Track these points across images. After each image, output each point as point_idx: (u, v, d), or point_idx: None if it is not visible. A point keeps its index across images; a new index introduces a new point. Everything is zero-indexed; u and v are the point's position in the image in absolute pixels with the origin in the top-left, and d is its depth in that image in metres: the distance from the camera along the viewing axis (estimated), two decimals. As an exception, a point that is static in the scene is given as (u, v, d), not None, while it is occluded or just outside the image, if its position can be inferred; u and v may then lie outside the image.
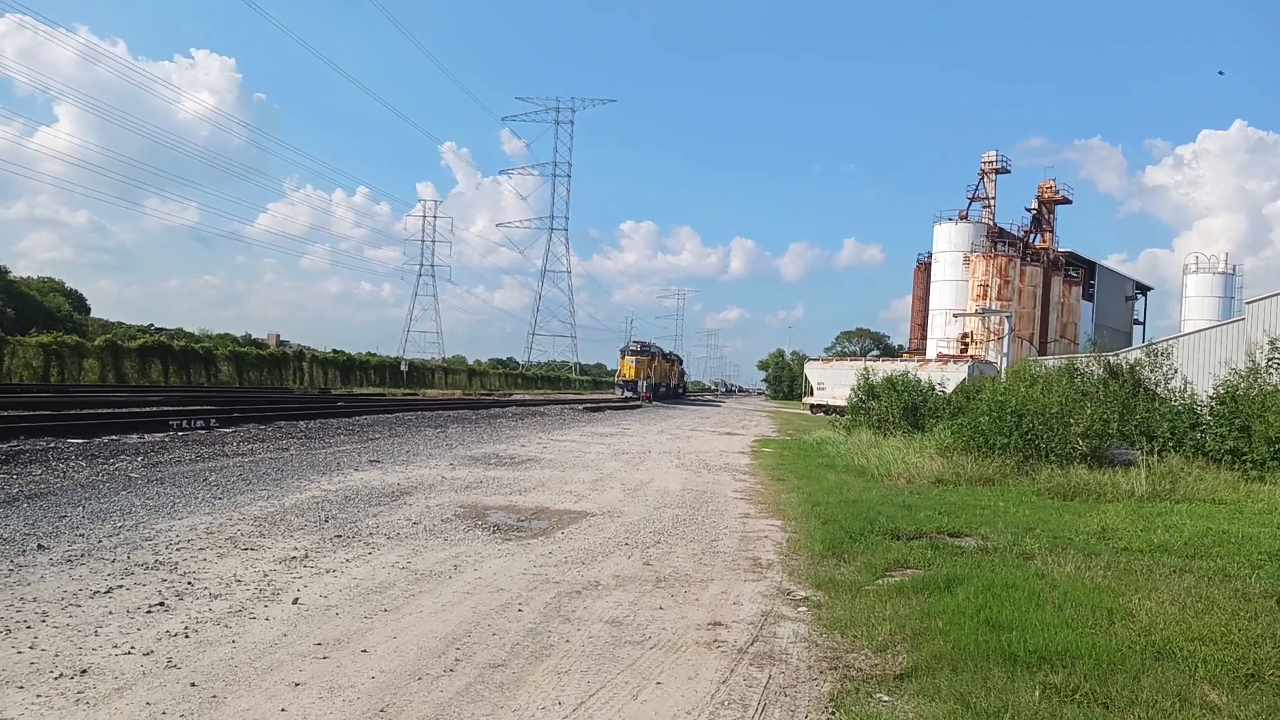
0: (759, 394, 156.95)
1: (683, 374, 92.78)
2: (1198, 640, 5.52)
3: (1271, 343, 17.95)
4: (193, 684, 4.38)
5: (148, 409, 21.86)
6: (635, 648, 5.38)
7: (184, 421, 18.19)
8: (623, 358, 67.46)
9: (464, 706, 4.31)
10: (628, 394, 62.55)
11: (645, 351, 68.05)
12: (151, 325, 74.80)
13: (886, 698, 4.64)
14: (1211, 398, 18.25)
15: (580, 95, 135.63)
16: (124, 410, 20.94)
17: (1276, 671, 5.02)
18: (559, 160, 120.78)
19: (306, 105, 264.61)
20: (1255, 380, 17.28)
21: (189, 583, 6.21)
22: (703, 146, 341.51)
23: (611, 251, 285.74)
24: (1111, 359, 24.33)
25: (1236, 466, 15.50)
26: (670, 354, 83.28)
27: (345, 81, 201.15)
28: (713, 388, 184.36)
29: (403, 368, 71.24)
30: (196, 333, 71.29)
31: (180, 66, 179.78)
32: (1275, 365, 17.60)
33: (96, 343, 45.24)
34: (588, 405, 46.14)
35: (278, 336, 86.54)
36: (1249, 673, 4.98)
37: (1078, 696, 4.54)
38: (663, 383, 72.24)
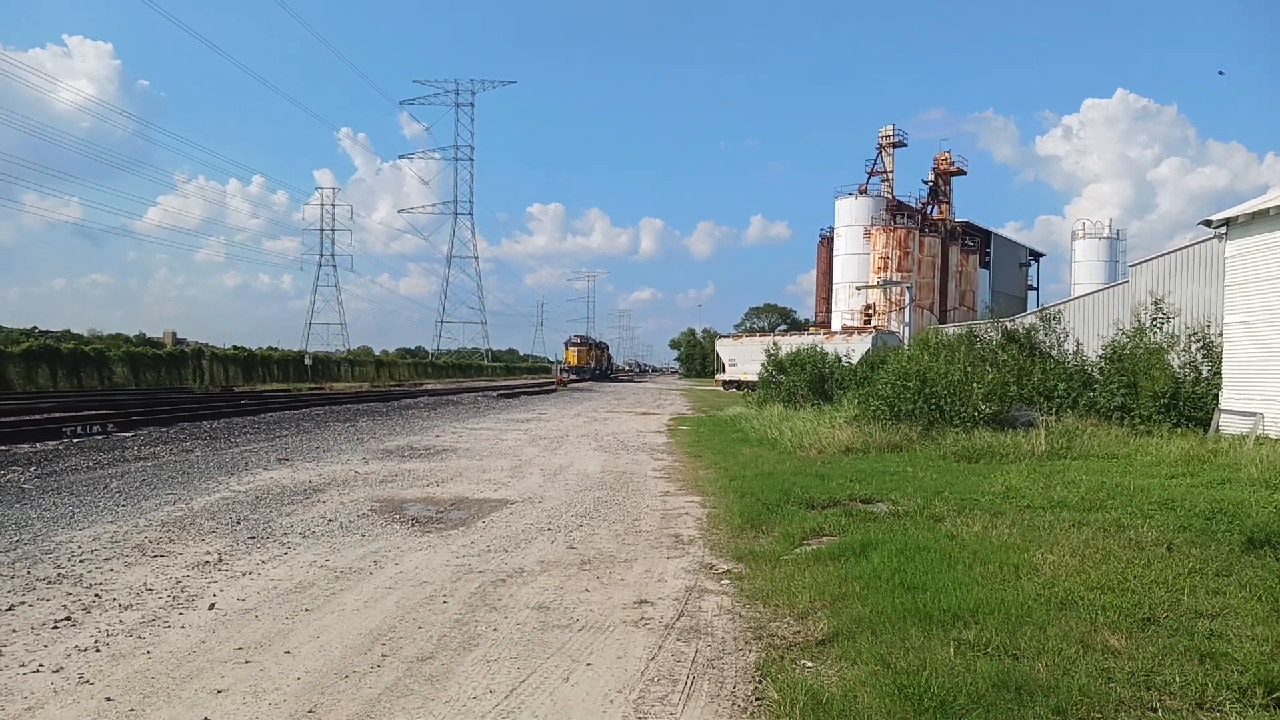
0: (672, 373, 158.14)
1: (610, 358, 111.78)
2: (1097, 589, 5.82)
3: (1156, 303, 18.84)
4: (108, 699, 4.24)
5: (38, 416, 20.85)
6: (563, 631, 5.41)
7: (79, 427, 17.41)
8: (566, 348, 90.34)
9: (394, 701, 4.28)
10: (572, 376, 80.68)
11: (585, 343, 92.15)
12: (35, 328, 70.80)
13: (810, 664, 4.77)
14: (1101, 357, 19.12)
15: (479, 77, 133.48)
16: (12, 419, 19.92)
17: (1170, 614, 5.33)
18: (461, 143, 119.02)
19: (194, 93, 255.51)
20: (1140, 339, 18.18)
21: (96, 595, 5.98)
22: (608, 126, 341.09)
23: (520, 235, 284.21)
24: (1008, 324, 25.22)
25: (1126, 422, 16.30)
26: (601, 342, 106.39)
27: (234, 68, 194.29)
28: (626, 368, 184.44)
29: (307, 361, 69.27)
30: (85, 334, 67.96)
31: (53, 54, 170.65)
32: (1159, 324, 18.52)
33: (-25, 348, 42.74)
34: (502, 391, 45.81)
35: (174, 334, 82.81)
36: (1145, 617, 5.28)
37: (990, 650, 4.73)
38: (597, 366, 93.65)
